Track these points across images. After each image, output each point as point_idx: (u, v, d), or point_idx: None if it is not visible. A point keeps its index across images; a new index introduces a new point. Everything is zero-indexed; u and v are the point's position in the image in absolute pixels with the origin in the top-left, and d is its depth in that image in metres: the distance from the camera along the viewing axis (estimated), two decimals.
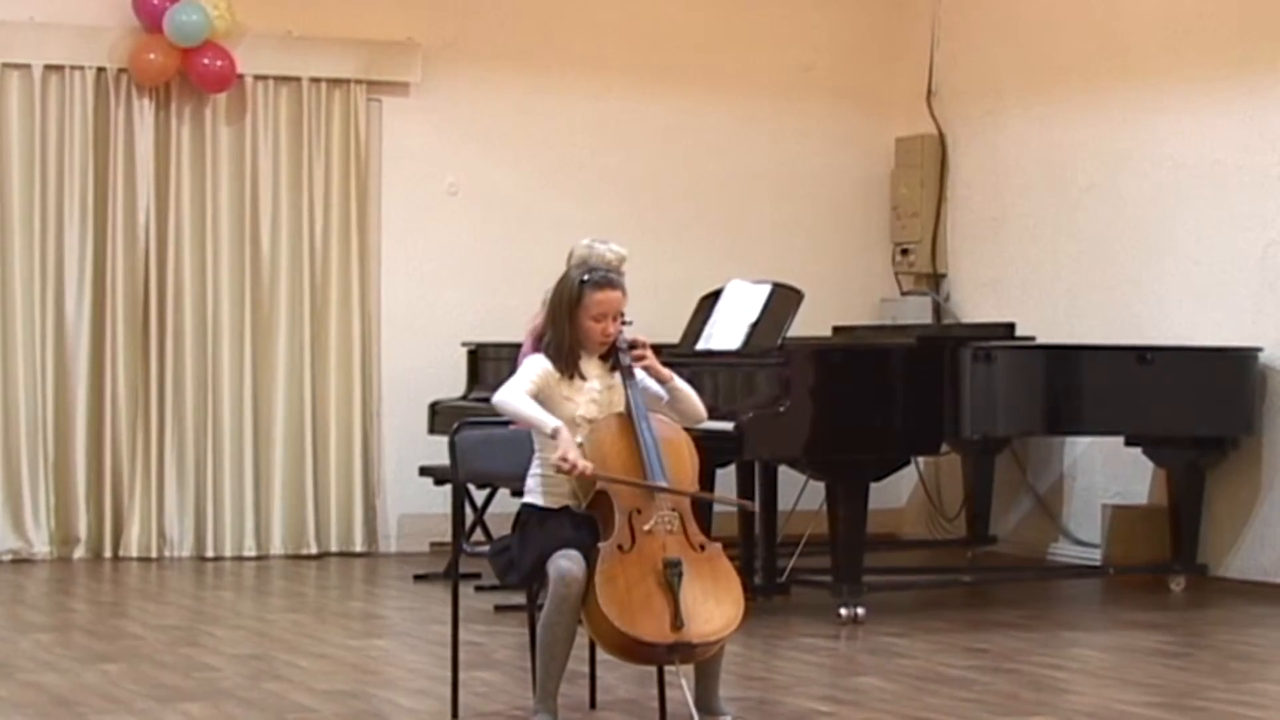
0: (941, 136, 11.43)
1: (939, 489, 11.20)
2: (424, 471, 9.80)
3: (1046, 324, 10.18)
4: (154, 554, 10.26)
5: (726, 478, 8.99)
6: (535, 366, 5.72)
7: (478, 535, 9.41)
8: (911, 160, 11.51)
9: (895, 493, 11.20)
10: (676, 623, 5.41)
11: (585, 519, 5.63)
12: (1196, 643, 7.97)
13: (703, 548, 5.61)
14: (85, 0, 10.24)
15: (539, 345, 5.89)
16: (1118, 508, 9.88)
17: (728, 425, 7.91)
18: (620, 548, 5.51)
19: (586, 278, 5.75)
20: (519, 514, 5.81)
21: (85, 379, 10.22)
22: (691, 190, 11.38)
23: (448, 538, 7.24)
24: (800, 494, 9.00)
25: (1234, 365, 9.20)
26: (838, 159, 11.67)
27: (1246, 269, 9.52)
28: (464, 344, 10.51)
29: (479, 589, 8.76)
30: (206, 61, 10.19)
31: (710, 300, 9.03)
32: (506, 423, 5.86)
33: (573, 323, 5.72)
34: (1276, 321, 9.34)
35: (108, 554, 10.23)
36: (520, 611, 7.36)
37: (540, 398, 5.67)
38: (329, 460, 10.60)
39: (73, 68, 10.20)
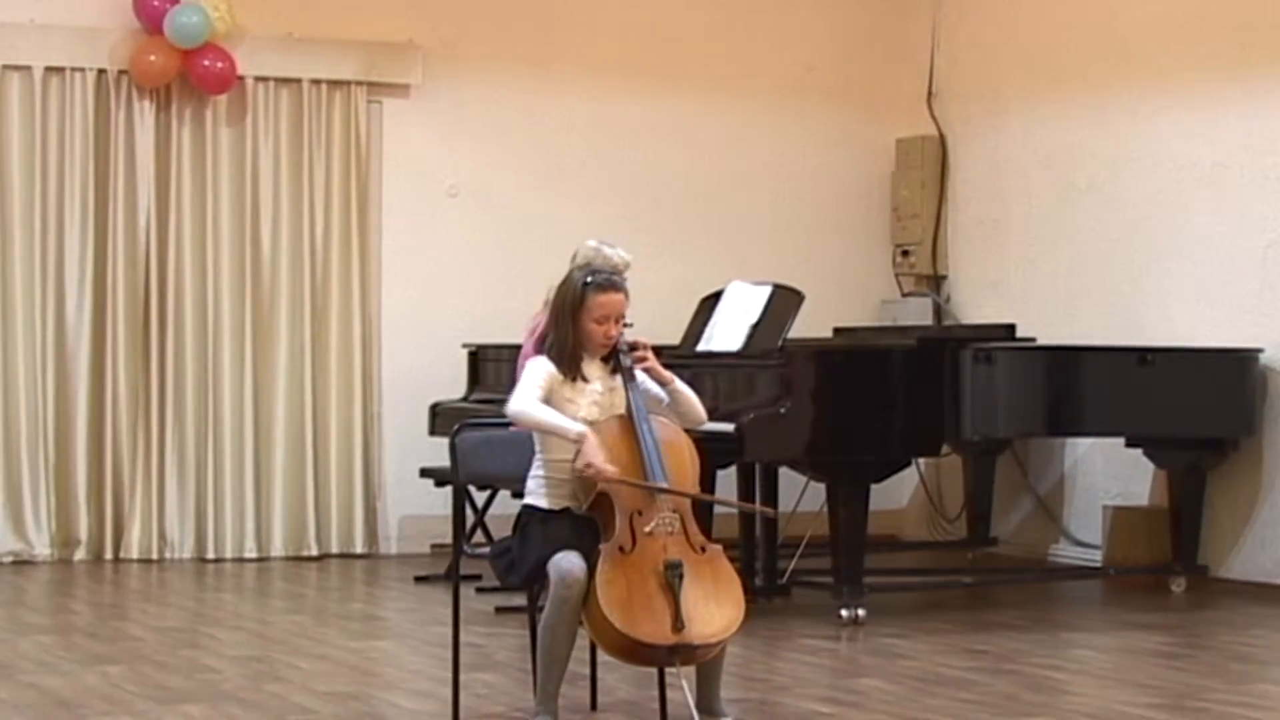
0: (942, 138, 11.43)
1: (940, 490, 11.20)
2: (424, 473, 9.80)
3: (1047, 325, 10.18)
4: (155, 556, 10.26)
5: (727, 479, 8.99)
6: (539, 370, 5.71)
7: (478, 537, 9.41)
8: (912, 161, 11.51)
9: (896, 494, 11.20)
10: (677, 624, 5.41)
11: (586, 521, 5.63)
12: (1197, 644, 7.97)
13: (703, 549, 5.61)
14: (86, 2, 10.25)
15: (539, 346, 5.88)
16: (1118, 509, 9.88)
17: (728, 426, 7.91)
18: (621, 549, 5.51)
19: (589, 280, 5.74)
20: (520, 515, 5.80)
21: (86, 381, 10.22)
22: (692, 191, 11.38)
23: (448, 539, 7.25)
24: (801, 495, 9.00)
25: (1235, 366, 9.20)
26: (838, 160, 11.68)
27: (1247, 270, 9.52)
28: (464, 345, 10.51)
29: (480, 590, 8.76)
30: (207, 63, 10.19)
31: (711, 301, 9.03)
32: (507, 424, 5.86)
33: (575, 324, 5.72)
34: (1277, 322, 9.34)
35: (108, 556, 10.24)
36: (521, 613, 7.37)
37: (547, 401, 5.67)
38: (329, 462, 10.60)
39: (73, 69, 10.20)
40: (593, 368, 5.76)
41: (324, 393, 10.61)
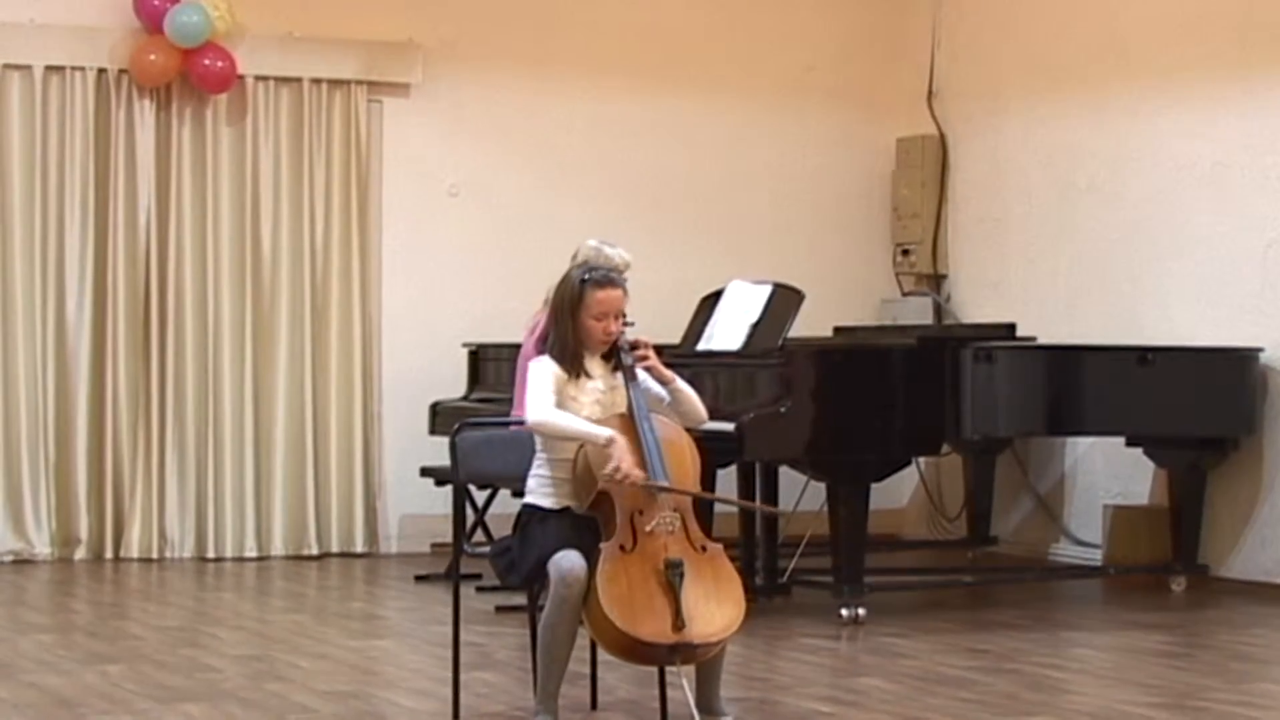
0: (942, 137, 11.43)
1: (940, 489, 11.20)
2: (425, 472, 9.80)
3: (1047, 324, 10.18)
4: (155, 555, 10.26)
5: (727, 479, 8.99)
6: (545, 373, 5.70)
7: (479, 536, 9.42)
8: (912, 161, 11.51)
9: (896, 493, 11.20)
10: (678, 623, 5.41)
11: (586, 519, 5.63)
12: (1197, 643, 7.97)
13: (704, 549, 5.61)
14: (86, 1, 10.24)
15: (540, 345, 5.89)
16: (1119, 508, 9.88)
17: (728, 426, 7.91)
18: (622, 548, 5.51)
19: (587, 277, 5.75)
20: (520, 514, 5.80)
21: (86, 380, 10.22)
22: (692, 191, 11.38)
23: (448, 538, 7.25)
24: (801, 495, 8.99)
25: (1235, 365, 9.20)
26: (838, 159, 11.67)
27: (1247, 269, 9.52)
28: (465, 345, 10.51)
29: (480, 590, 8.76)
30: (207, 62, 10.20)
31: (711, 301, 9.02)
32: (506, 423, 5.85)
33: (574, 322, 5.72)
34: (1277, 322, 9.34)
35: (109, 555, 10.24)
36: (521, 612, 7.37)
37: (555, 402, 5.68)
38: (330, 461, 10.60)
39: (73, 69, 10.20)
40: (594, 365, 5.77)
41: (324, 392, 10.61)
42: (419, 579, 9.61)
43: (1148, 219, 10.07)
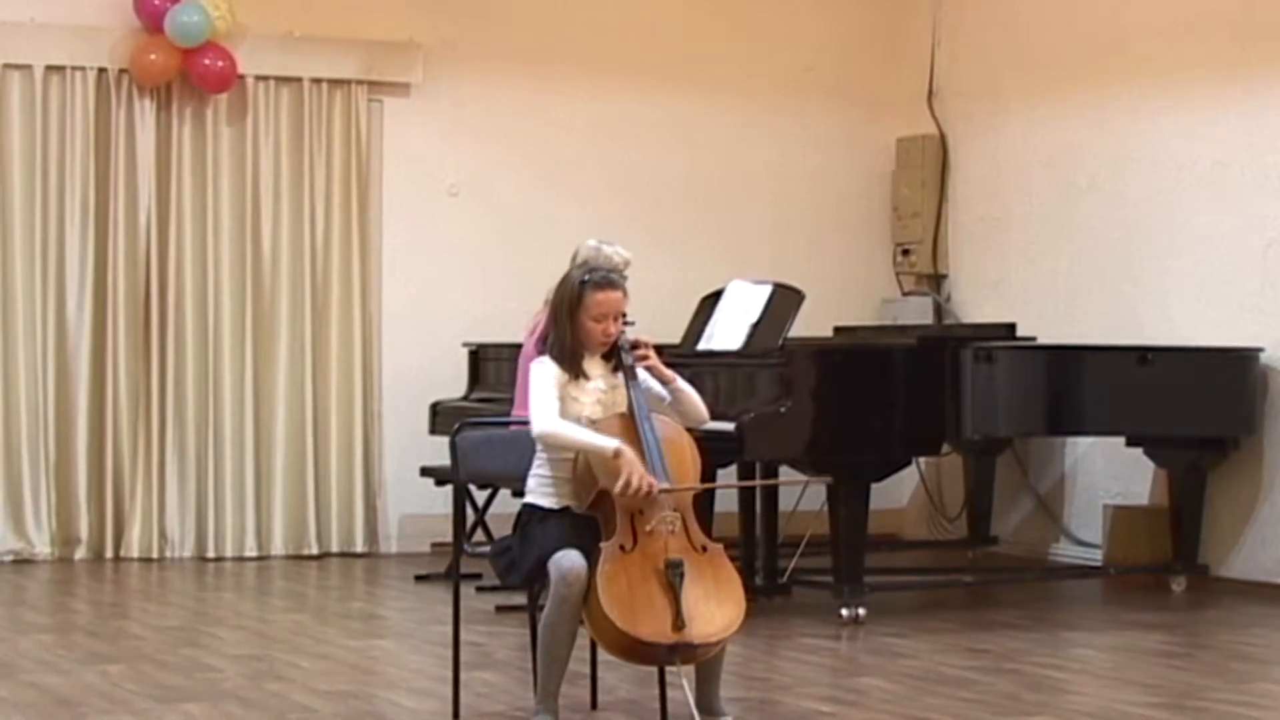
0: (942, 137, 11.43)
1: (940, 489, 11.20)
2: (425, 472, 9.80)
3: (1047, 324, 10.18)
4: (155, 554, 10.26)
5: (727, 478, 8.96)
6: (546, 377, 5.70)
7: (479, 536, 9.42)
8: (912, 160, 11.51)
9: (896, 493, 11.20)
10: (678, 623, 5.41)
11: (586, 519, 5.63)
12: (1197, 643, 7.97)
13: (704, 549, 5.61)
14: (86, 1, 10.24)
15: (540, 345, 5.89)
16: (1119, 508, 9.88)
17: (729, 426, 7.91)
18: (622, 548, 5.51)
19: (587, 278, 5.75)
20: (520, 514, 5.81)
21: (86, 379, 10.22)
22: (692, 190, 11.38)
23: (449, 538, 7.24)
24: (801, 494, 8.99)
25: (1235, 365, 9.20)
26: (838, 159, 11.68)
27: (1247, 269, 9.52)
28: (465, 344, 10.51)
29: (480, 589, 8.76)
30: (207, 62, 10.20)
31: (711, 301, 9.02)
32: (507, 423, 5.85)
33: (574, 323, 5.72)
34: (1278, 321, 9.34)
35: (109, 555, 10.24)
36: (521, 612, 7.37)
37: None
38: (330, 461, 10.60)
39: (74, 68, 10.20)
40: (594, 365, 5.77)
41: (324, 391, 10.61)
42: (419, 579, 9.61)
43: (1148, 218, 10.07)
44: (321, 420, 10.59)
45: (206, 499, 10.37)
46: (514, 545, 5.75)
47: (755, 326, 8.61)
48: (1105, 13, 10.39)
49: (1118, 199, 10.25)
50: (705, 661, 5.61)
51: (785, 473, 8.65)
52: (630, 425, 5.67)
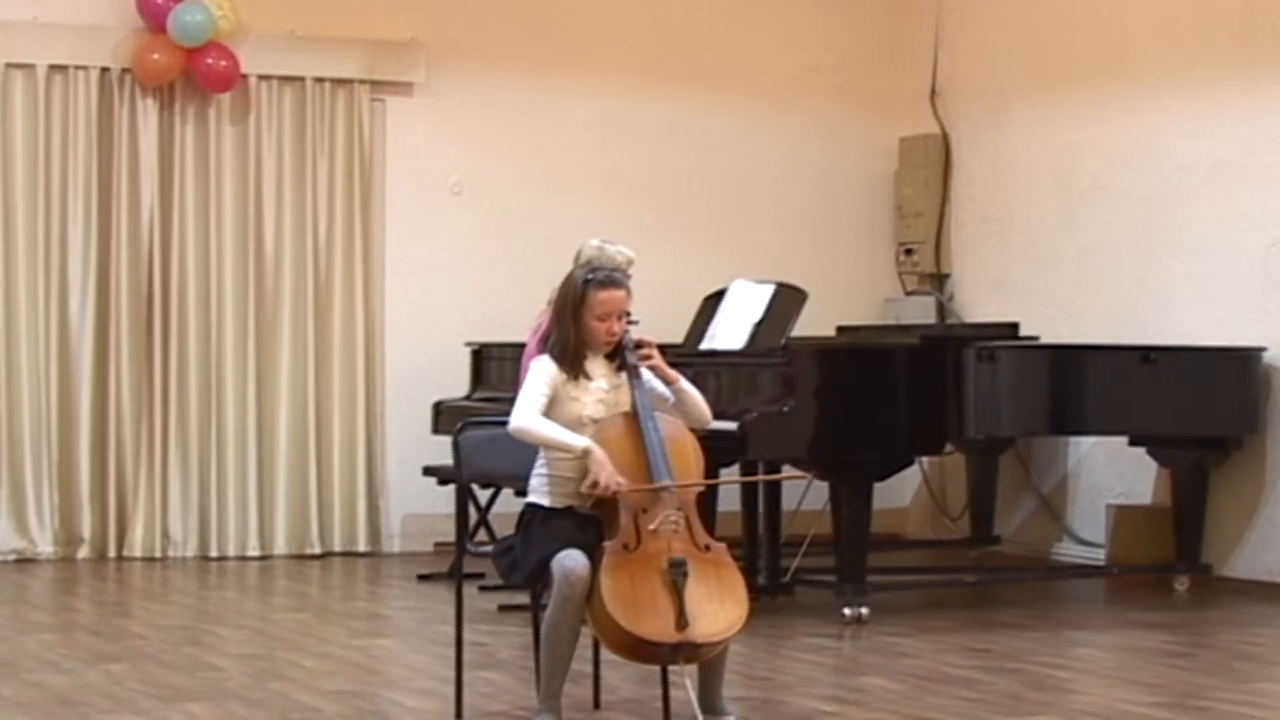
0: (945, 136, 11.43)
1: (943, 489, 11.20)
2: (427, 471, 9.80)
3: (1050, 324, 10.18)
4: (158, 554, 10.26)
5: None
6: (541, 374, 5.72)
7: (481, 535, 9.41)
8: (915, 160, 11.51)
9: (899, 493, 11.20)
10: (681, 622, 5.41)
11: (589, 518, 5.63)
12: (1200, 643, 7.97)
13: (707, 548, 5.61)
14: (89, 0, 10.24)
15: (543, 345, 5.89)
16: (1121, 508, 9.87)
17: (731, 425, 7.90)
18: (626, 547, 5.51)
19: (590, 277, 5.75)
20: (523, 514, 5.81)
21: (89, 379, 10.22)
22: (695, 190, 11.38)
23: (451, 537, 7.24)
24: (804, 494, 9.00)
25: (1238, 365, 9.19)
26: (841, 159, 11.67)
27: (1250, 268, 9.52)
28: (467, 344, 10.51)
29: (483, 589, 8.75)
30: (210, 61, 10.20)
31: (714, 300, 9.02)
32: (508, 423, 5.85)
33: (577, 322, 5.72)
34: None
35: (112, 554, 10.24)
36: (524, 611, 7.36)
37: (549, 402, 5.68)
38: (333, 460, 10.60)
39: (77, 68, 10.20)
40: (597, 365, 5.77)
41: (327, 391, 10.61)
42: (422, 578, 9.61)
43: (1150, 218, 10.07)
44: (324, 419, 10.59)
45: (209, 498, 10.37)
46: (516, 545, 5.75)
47: (758, 326, 8.61)
48: (1107, 13, 10.39)
49: (1120, 199, 10.25)
50: (708, 661, 5.62)
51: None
52: (634, 424, 5.67)
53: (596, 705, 6.25)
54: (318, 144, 10.60)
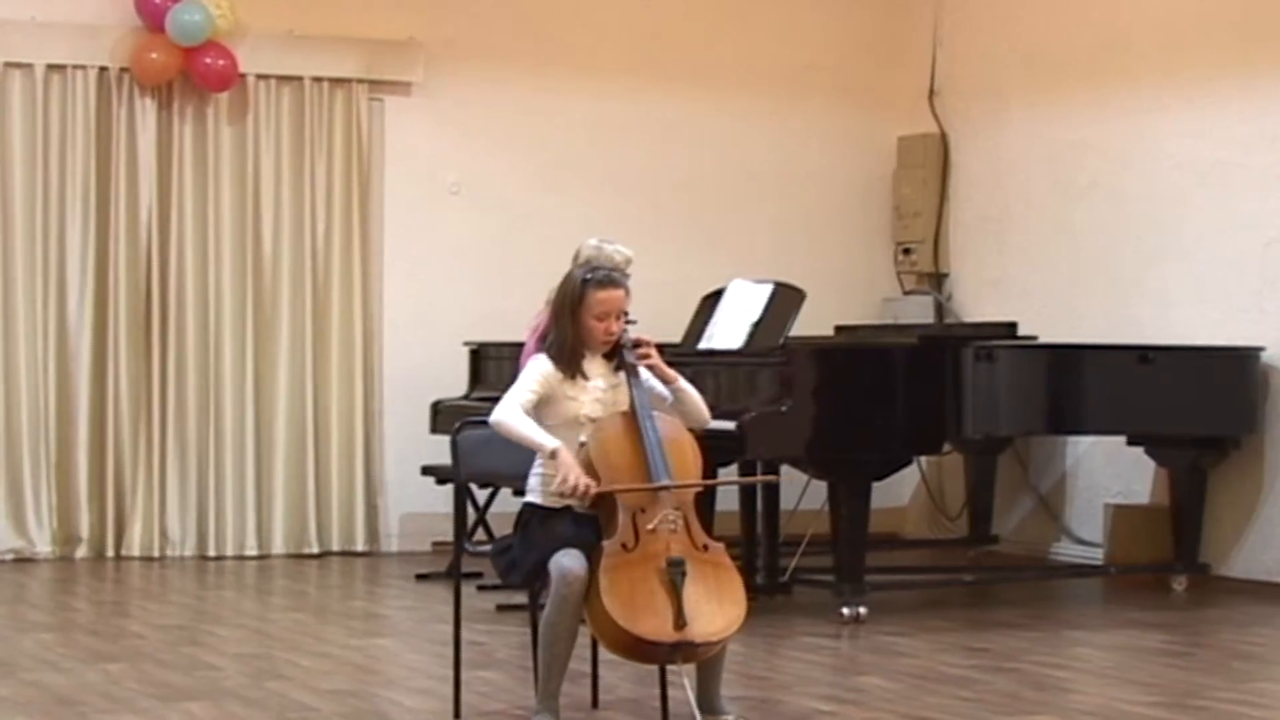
0: (943, 135, 11.43)
1: (941, 488, 11.20)
2: (426, 471, 9.80)
3: (1048, 323, 10.17)
4: (156, 553, 10.26)
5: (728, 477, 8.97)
6: (534, 372, 5.72)
7: (479, 534, 9.41)
8: (913, 159, 11.51)
9: (897, 492, 11.20)
10: (679, 622, 5.41)
11: (587, 518, 5.63)
12: (1198, 642, 7.97)
13: (706, 548, 5.61)
14: (87, 0, 10.24)
15: (542, 344, 5.89)
16: (1119, 507, 9.87)
17: (730, 425, 7.90)
18: (624, 546, 5.51)
19: (589, 276, 5.76)
20: (521, 513, 5.81)
21: (87, 378, 10.22)
22: (693, 189, 11.38)
23: (449, 537, 7.24)
24: (802, 493, 8.99)
25: (1236, 364, 9.20)
26: (839, 158, 11.67)
27: (1248, 268, 9.52)
28: (466, 343, 10.51)
29: (481, 588, 8.76)
30: (208, 61, 10.19)
31: (712, 300, 9.02)
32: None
33: (575, 321, 5.73)
34: (1278, 320, 9.34)
35: (110, 553, 10.24)
36: (522, 611, 7.36)
37: (544, 401, 5.68)
38: (330, 459, 10.60)
39: (75, 67, 10.20)
40: (595, 365, 5.77)
41: (325, 390, 10.61)
42: (420, 578, 9.61)
43: (1148, 218, 10.07)
44: (322, 419, 10.59)
45: (207, 497, 10.37)
46: (515, 544, 5.76)
47: (756, 325, 8.61)
48: (1106, 12, 10.39)
49: (1118, 198, 10.25)
50: (706, 660, 5.62)
51: (786, 472, 8.65)
52: (632, 423, 5.67)
53: (595, 705, 6.25)
54: (316, 143, 10.59)
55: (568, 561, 5.48)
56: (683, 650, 5.44)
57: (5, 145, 10.15)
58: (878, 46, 11.72)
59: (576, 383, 5.74)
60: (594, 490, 5.55)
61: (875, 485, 8.41)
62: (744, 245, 11.17)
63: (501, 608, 8.38)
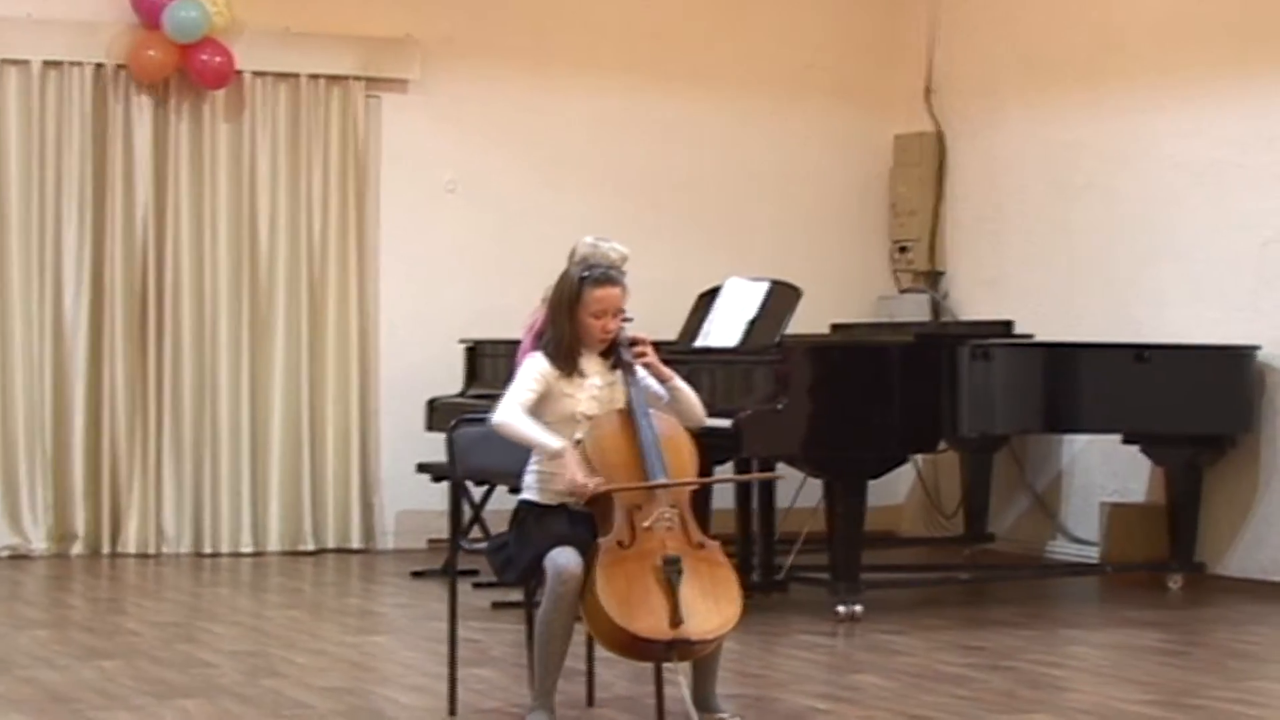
0: (940, 134, 11.43)
1: (937, 486, 11.20)
2: (422, 468, 9.80)
3: (1044, 322, 10.18)
4: (151, 550, 10.26)
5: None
6: (532, 370, 5.72)
7: (475, 532, 9.39)
8: (910, 158, 11.51)
9: (893, 490, 11.20)
10: (675, 619, 5.41)
11: (583, 515, 5.63)
12: (1194, 640, 7.98)
13: (701, 546, 5.62)
14: None
15: (538, 342, 5.89)
16: (1115, 506, 9.88)
17: (726, 423, 7.90)
18: (620, 544, 5.51)
19: (586, 274, 5.76)
20: (516, 511, 5.81)
21: (83, 375, 10.22)
22: (690, 188, 11.38)
23: (445, 534, 7.25)
24: (798, 491, 8.99)
25: (1231, 363, 9.20)
26: (836, 157, 11.67)
27: (1244, 267, 9.52)
28: (462, 341, 10.50)
29: (477, 586, 8.75)
30: (205, 58, 10.19)
31: (708, 298, 9.02)
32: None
33: (572, 319, 5.73)
34: (1273, 319, 9.35)
35: (105, 550, 10.23)
36: (518, 608, 7.35)
37: (541, 398, 5.68)
38: (326, 457, 10.60)
39: (71, 64, 10.19)
40: (591, 363, 5.77)
41: (321, 387, 10.61)
42: (415, 575, 9.61)
43: (1144, 217, 10.07)
44: (318, 416, 10.59)
45: (203, 495, 10.37)
46: (510, 542, 5.76)
47: (752, 323, 8.61)
48: (1103, 11, 10.39)
49: (1114, 197, 10.25)
50: (702, 658, 5.62)
51: (782, 470, 8.65)
52: (628, 421, 5.68)
53: (590, 702, 6.25)
54: (312, 141, 10.59)
55: (563, 559, 5.48)
56: (678, 648, 5.44)
57: (1, 142, 10.14)
58: (875, 46, 11.73)
59: (573, 380, 5.74)
60: (599, 488, 5.54)
61: (871, 483, 8.41)
62: (740, 243, 11.17)
63: (497, 605, 8.38)
